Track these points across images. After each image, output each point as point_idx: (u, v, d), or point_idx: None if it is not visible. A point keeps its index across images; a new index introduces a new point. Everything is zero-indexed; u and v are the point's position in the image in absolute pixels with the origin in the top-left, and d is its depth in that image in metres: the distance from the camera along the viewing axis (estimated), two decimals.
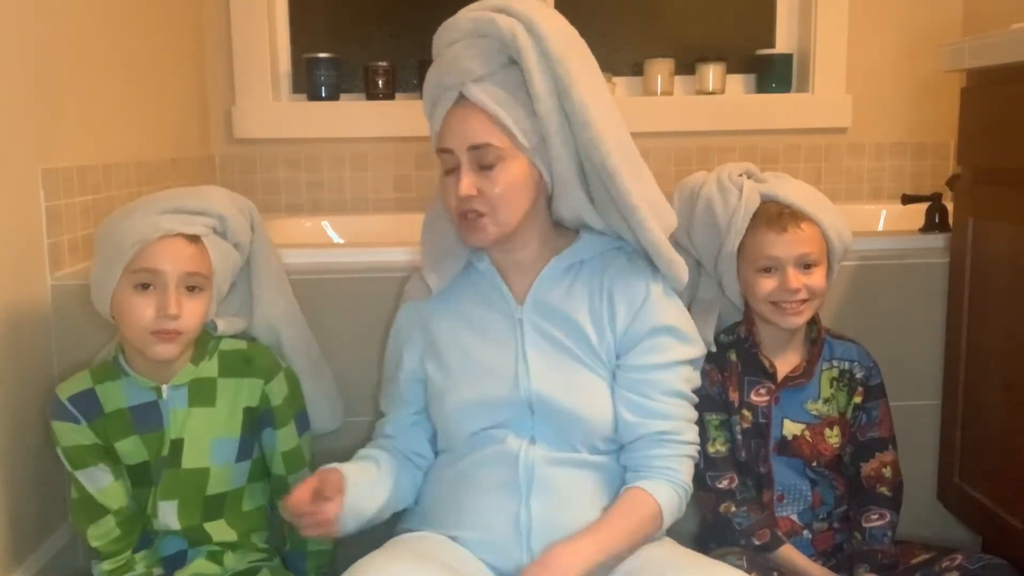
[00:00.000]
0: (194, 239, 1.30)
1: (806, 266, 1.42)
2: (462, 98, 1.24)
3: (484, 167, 1.23)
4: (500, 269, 1.34)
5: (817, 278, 1.42)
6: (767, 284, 1.42)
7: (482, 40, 1.23)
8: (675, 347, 1.30)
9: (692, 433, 1.32)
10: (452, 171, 1.26)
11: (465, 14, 1.26)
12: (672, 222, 1.34)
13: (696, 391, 1.49)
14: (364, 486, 1.27)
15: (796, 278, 1.40)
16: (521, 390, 1.27)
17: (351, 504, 1.24)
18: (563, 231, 1.35)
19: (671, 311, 1.32)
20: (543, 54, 1.20)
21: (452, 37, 1.26)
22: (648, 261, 1.32)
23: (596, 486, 1.28)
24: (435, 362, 1.34)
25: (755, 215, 1.43)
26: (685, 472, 1.29)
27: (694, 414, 1.33)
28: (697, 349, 1.35)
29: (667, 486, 1.27)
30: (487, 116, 1.22)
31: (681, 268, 1.32)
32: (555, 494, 1.25)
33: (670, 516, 1.27)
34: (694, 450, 1.32)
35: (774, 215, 1.41)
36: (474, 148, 1.23)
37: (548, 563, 1.16)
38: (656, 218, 1.28)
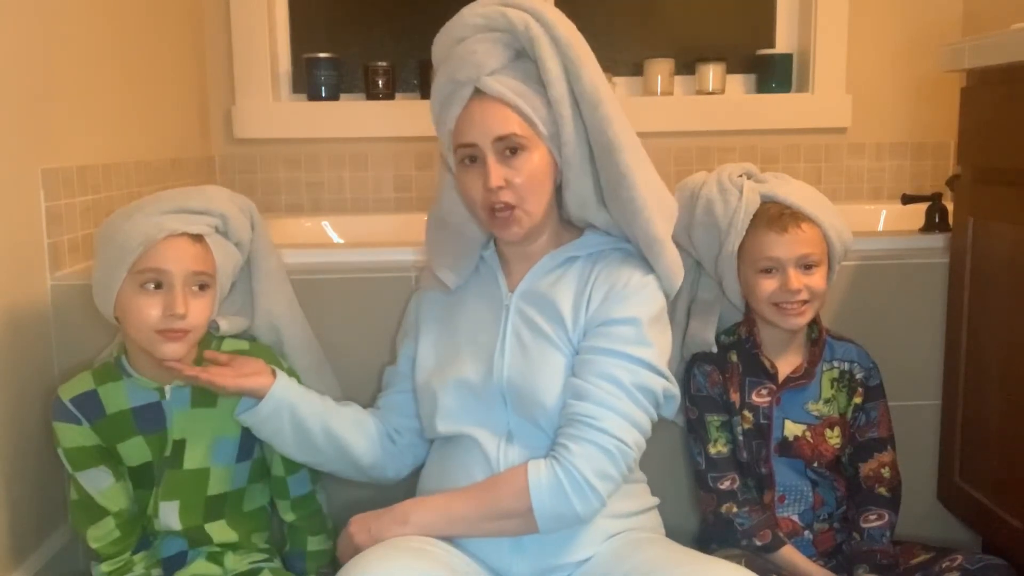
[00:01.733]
0: (197, 238, 1.30)
1: (807, 267, 1.42)
2: (477, 92, 1.25)
3: (508, 157, 1.25)
4: (504, 259, 1.37)
5: (818, 279, 1.42)
6: (768, 285, 1.42)
7: (493, 34, 1.25)
8: (630, 340, 1.24)
9: (614, 424, 1.20)
10: (473, 165, 1.27)
11: (471, 11, 1.28)
12: (674, 209, 1.33)
13: (697, 392, 1.50)
14: (301, 389, 1.35)
15: (797, 279, 1.40)
16: (494, 376, 1.28)
17: (282, 392, 1.32)
18: (570, 228, 1.36)
19: (644, 307, 1.26)
20: (554, 40, 1.24)
21: (460, 34, 1.28)
22: (643, 262, 1.31)
23: None
24: (427, 345, 1.38)
25: (755, 216, 1.43)
26: (580, 457, 1.18)
27: (634, 412, 1.22)
28: (653, 353, 1.25)
29: (548, 464, 1.20)
30: (507, 107, 1.24)
31: (676, 264, 1.30)
32: None
33: (542, 497, 1.18)
34: (610, 442, 1.19)
35: (774, 216, 1.41)
36: (500, 139, 1.24)
37: (392, 509, 1.24)
38: (659, 205, 1.28)
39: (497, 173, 1.24)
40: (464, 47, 1.26)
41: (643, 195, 1.26)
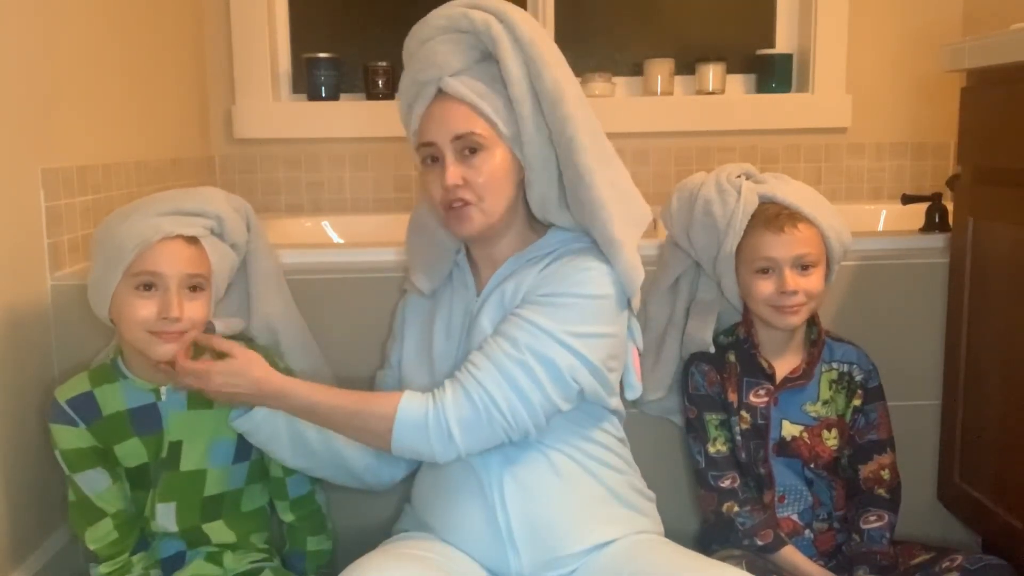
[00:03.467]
0: (193, 240, 1.30)
1: (803, 267, 1.41)
2: (440, 93, 1.26)
3: (468, 156, 1.25)
4: (474, 262, 1.37)
5: (814, 280, 1.42)
6: (765, 286, 1.42)
7: (457, 35, 1.26)
8: (542, 309, 1.21)
9: (489, 376, 1.18)
10: (434, 164, 1.28)
11: (437, 13, 1.28)
12: (644, 215, 1.29)
13: (695, 391, 1.50)
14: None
15: (793, 279, 1.40)
16: None
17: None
18: (536, 227, 1.35)
19: (574, 287, 1.23)
20: (515, 40, 1.23)
21: (425, 35, 1.28)
22: (598, 253, 1.28)
23: (561, 467, 1.27)
24: (407, 352, 1.38)
25: (753, 216, 1.43)
26: (451, 401, 1.18)
27: (518, 375, 1.18)
28: (564, 329, 1.20)
29: (423, 401, 1.19)
30: (468, 107, 1.24)
31: (634, 267, 1.25)
32: (524, 488, 1.25)
33: (403, 430, 1.18)
34: (477, 393, 1.18)
35: (771, 216, 1.41)
36: (458, 138, 1.25)
37: (248, 366, 1.22)
38: (621, 207, 1.25)
39: (454, 172, 1.24)
40: (428, 48, 1.27)
41: (602, 196, 1.24)
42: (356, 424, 1.21)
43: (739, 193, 1.44)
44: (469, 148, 1.25)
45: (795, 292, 1.40)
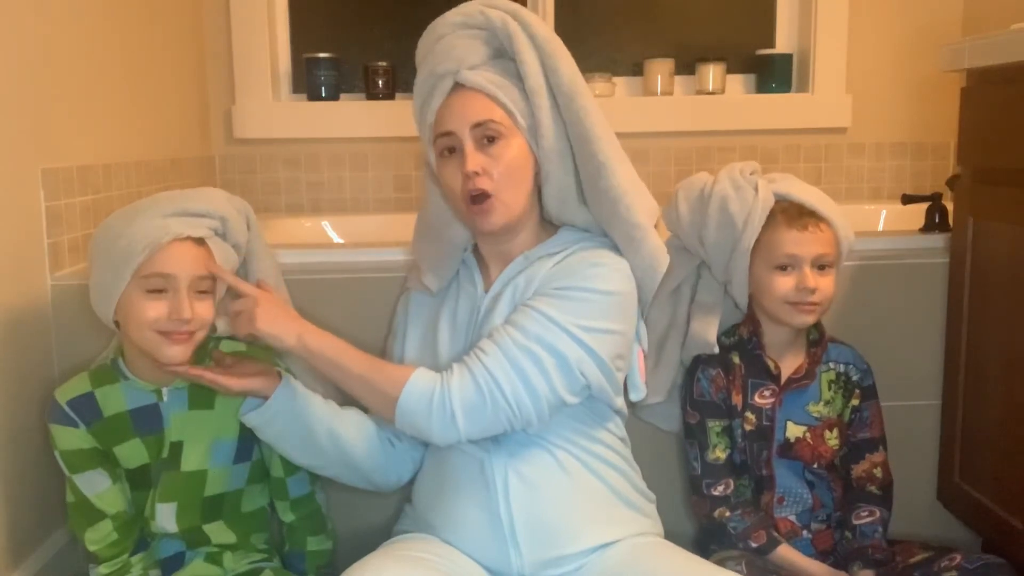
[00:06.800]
0: (200, 241, 1.30)
1: (821, 267, 1.42)
2: (457, 86, 1.28)
3: (486, 145, 1.26)
4: (482, 260, 1.37)
5: (829, 281, 1.42)
6: (784, 283, 1.41)
7: (473, 31, 1.29)
8: (553, 301, 1.22)
9: (496, 362, 1.18)
10: (452, 156, 1.28)
11: (453, 11, 1.31)
12: (655, 208, 1.32)
13: (700, 397, 1.49)
14: (306, 390, 1.33)
15: (813, 278, 1.40)
16: None
17: (289, 392, 1.30)
18: (547, 227, 1.36)
19: (584, 281, 1.23)
20: (531, 36, 1.27)
21: (441, 32, 1.30)
22: (611, 250, 1.29)
23: (567, 465, 1.28)
24: (410, 349, 1.39)
25: (770, 213, 1.42)
26: (457, 384, 1.18)
27: (525, 363, 1.18)
28: (574, 321, 1.21)
29: (432, 379, 1.20)
30: (485, 96, 1.26)
31: (659, 248, 1.28)
32: (529, 485, 1.25)
33: (409, 401, 1.19)
34: (483, 378, 1.18)
35: (794, 214, 1.41)
36: (477, 126, 1.26)
37: (297, 318, 1.25)
38: (638, 195, 1.29)
39: (474, 159, 1.25)
40: (444, 43, 1.29)
41: (622, 184, 1.27)
42: (367, 386, 1.22)
43: (756, 190, 1.43)
44: (488, 136, 1.26)
45: (815, 290, 1.40)
